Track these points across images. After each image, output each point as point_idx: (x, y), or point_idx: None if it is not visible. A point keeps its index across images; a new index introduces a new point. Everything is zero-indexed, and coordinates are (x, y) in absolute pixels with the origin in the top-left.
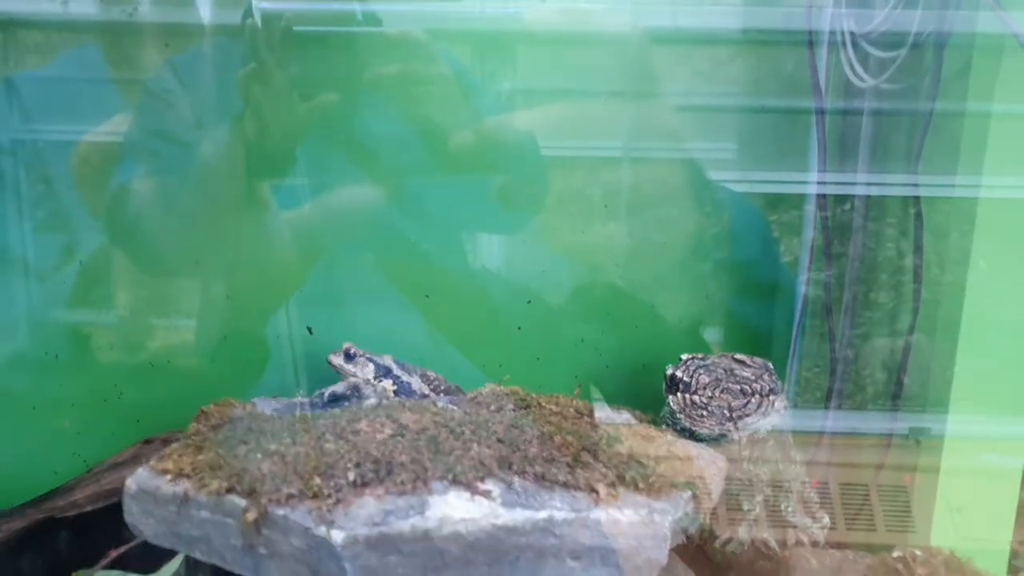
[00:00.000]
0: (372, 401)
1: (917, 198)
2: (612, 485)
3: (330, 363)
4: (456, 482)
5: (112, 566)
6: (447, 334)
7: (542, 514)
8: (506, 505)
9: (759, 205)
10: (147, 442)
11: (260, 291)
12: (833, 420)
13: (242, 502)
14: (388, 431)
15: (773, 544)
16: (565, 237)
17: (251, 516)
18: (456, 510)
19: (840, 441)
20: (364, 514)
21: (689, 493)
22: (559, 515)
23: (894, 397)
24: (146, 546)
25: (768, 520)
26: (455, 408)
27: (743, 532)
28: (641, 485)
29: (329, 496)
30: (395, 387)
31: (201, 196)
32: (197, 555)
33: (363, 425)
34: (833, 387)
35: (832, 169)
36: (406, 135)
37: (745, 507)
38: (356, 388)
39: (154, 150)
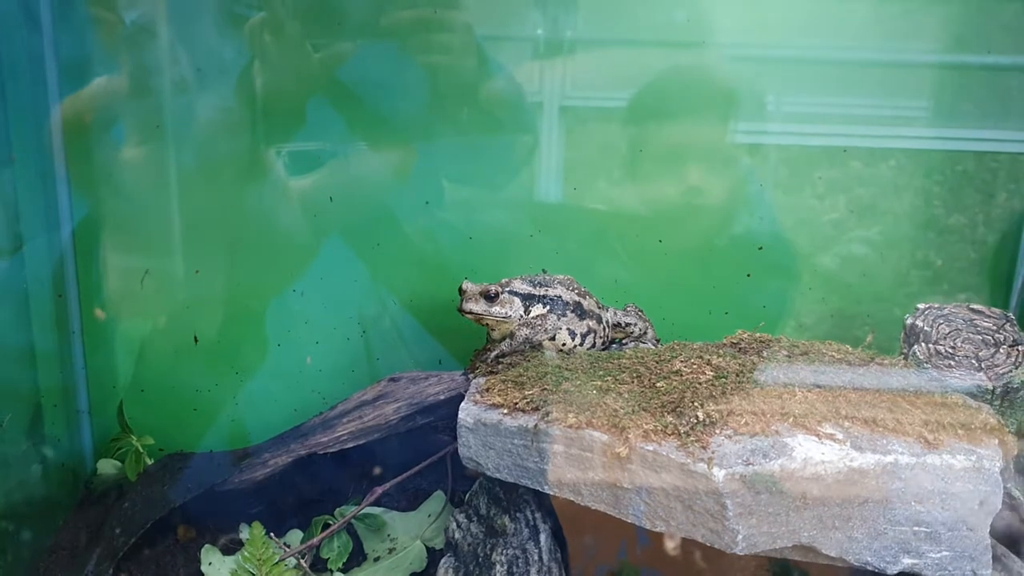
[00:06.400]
0: (644, 344)
1: None
2: (935, 431)
3: (468, 312)
4: (798, 424)
5: (376, 503)
6: (675, 279)
7: (889, 458)
8: (856, 448)
9: (978, 163)
10: (393, 380)
11: (499, 233)
12: None
13: (601, 436)
14: (710, 373)
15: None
16: (792, 189)
17: (622, 451)
18: (813, 452)
19: None
20: (730, 453)
21: (997, 440)
22: (903, 459)
23: None
24: (400, 487)
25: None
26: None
27: None
28: (961, 432)
29: (688, 434)
30: (547, 309)
31: None
32: (545, 489)
33: (680, 365)
34: None
35: None
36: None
37: None
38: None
39: None
